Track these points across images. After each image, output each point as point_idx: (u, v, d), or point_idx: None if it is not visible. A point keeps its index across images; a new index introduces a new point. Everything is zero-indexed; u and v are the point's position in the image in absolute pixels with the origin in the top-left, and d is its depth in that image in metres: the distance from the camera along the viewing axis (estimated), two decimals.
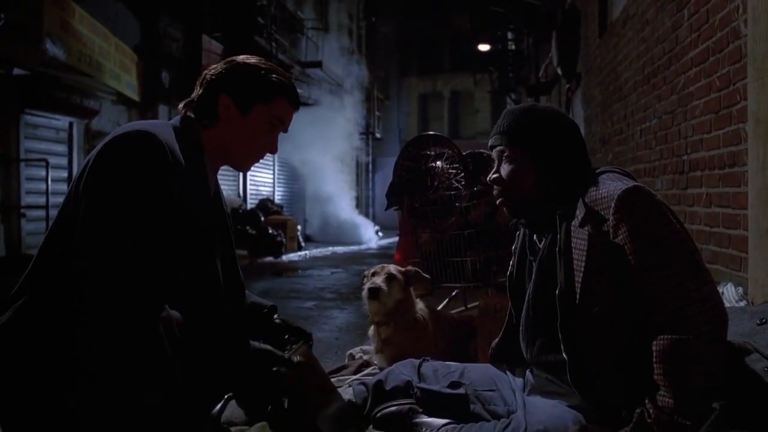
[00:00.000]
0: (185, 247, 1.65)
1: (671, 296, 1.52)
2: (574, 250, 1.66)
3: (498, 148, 1.83)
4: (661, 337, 1.52)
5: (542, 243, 1.83)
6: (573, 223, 1.68)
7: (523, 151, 1.78)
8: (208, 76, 1.85)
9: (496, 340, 2.09)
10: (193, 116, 1.84)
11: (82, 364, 1.46)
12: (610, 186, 1.64)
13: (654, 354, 1.53)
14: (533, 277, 1.84)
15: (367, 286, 2.82)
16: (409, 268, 3.03)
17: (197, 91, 1.85)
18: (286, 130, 1.92)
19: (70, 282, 1.49)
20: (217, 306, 1.76)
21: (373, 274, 2.90)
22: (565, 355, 1.65)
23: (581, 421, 1.67)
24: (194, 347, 1.60)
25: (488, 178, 1.88)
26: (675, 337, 1.50)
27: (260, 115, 1.83)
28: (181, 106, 1.87)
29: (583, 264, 1.62)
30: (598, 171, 1.75)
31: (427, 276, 3.12)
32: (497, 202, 1.88)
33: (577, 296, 1.63)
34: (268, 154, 1.94)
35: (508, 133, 1.80)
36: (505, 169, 1.81)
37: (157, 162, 1.56)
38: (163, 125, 1.71)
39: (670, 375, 1.50)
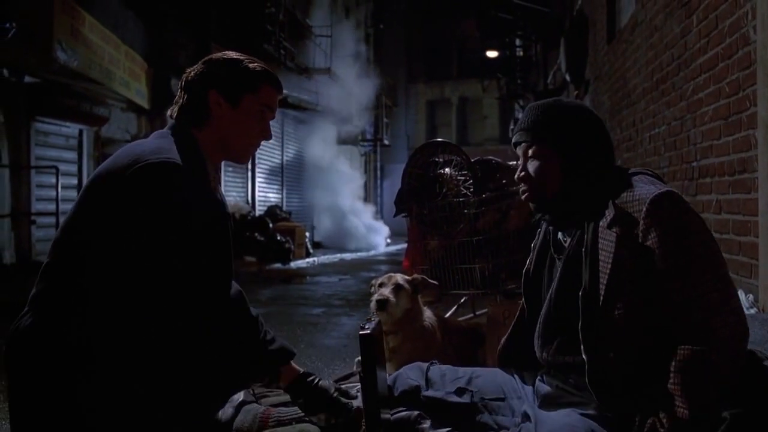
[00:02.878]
0: (209, 255, 1.75)
1: (697, 305, 1.50)
2: (600, 251, 1.63)
3: (522, 144, 1.79)
4: (682, 347, 1.50)
5: (568, 242, 1.80)
6: (601, 223, 1.65)
7: (548, 147, 1.74)
8: (189, 77, 1.88)
9: (504, 338, 2.06)
10: (184, 120, 1.86)
11: (101, 365, 1.53)
12: (643, 189, 1.61)
13: (673, 363, 1.51)
14: (558, 275, 1.80)
15: (374, 297, 2.82)
16: (416, 276, 3.02)
17: (182, 95, 1.88)
18: (274, 116, 1.97)
19: (89, 286, 1.58)
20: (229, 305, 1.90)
21: (381, 285, 2.90)
22: (584, 356, 1.63)
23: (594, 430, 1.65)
24: (211, 345, 1.71)
25: (515, 176, 1.83)
26: (696, 348, 1.48)
27: (250, 104, 1.86)
28: (170, 113, 1.90)
29: (610, 266, 1.60)
30: (629, 172, 1.72)
31: (435, 282, 3.11)
32: (523, 198, 1.84)
33: (601, 297, 1.60)
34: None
35: (532, 129, 1.76)
36: (531, 166, 1.77)
37: (185, 190, 1.64)
38: (170, 144, 1.73)
39: (688, 387, 1.48)
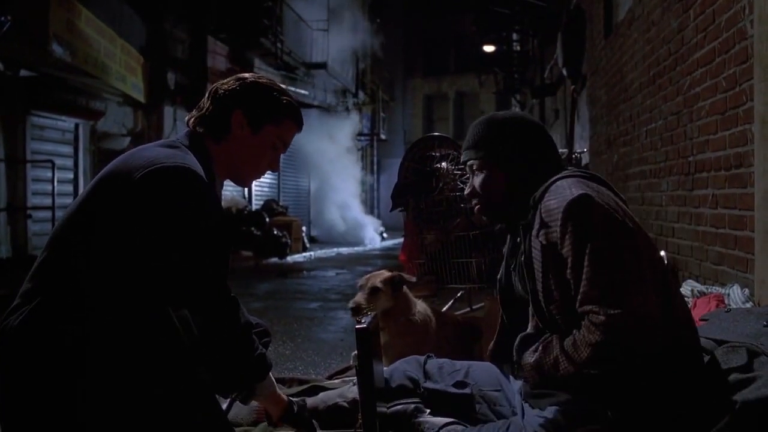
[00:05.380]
0: (211, 258, 1.75)
1: (589, 299, 1.55)
2: (534, 260, 1.69)
3: (468, 162, 1.88)
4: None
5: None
6: (533, 232, 1.70)
7: (488, 159, 1.83)
8: (220, 91, 1.88)
9: (491, 343, 2.08)
10: (201, 131, 1.87)
11: (98, 363, 1.50)
12: (560, 195, 1.64)
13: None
14: (515, 280, 1.87)
15: (349, 305, 2.91)
16: (395, 273, 3.04)
17: (208, 105, 1.88)
18: (285, 152, 2.01)
19: (87, 283, 1.56)
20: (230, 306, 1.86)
21: (360, 288, 2.95)
22: None
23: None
24: (212, 344, 1.70)
25: (464, 194, 1.94)
26: (576, 333, 1.58)
27: (269, 134, 1.90)
28: (189, 120, 1.90)
29: (541, 273, 1.66)
30: (559, 176, 1.74)
31: (413, 279, 3.13)
32: (475, 211, 1.93)
33: (540, 302, 1.66)
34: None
35: (473, 147, 1.86)
36: (477, 180, 1.86)
37: (198, 196, 1.65)
38: (183, 152, 1.73)
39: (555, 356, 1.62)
